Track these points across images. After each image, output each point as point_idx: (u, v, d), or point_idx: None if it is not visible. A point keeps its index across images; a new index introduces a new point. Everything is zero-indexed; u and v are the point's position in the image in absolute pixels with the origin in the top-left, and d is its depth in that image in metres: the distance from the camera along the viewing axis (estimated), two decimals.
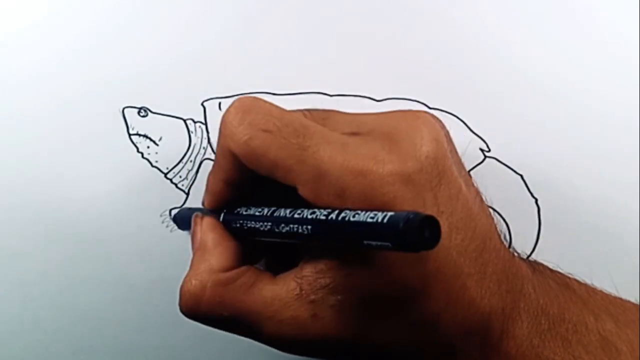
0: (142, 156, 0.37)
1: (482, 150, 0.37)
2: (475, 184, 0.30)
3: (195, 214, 0.32)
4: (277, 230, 0.27)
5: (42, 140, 0.37)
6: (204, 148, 0.38)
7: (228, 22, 0.37)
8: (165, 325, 0.38)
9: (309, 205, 0.26)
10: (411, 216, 0.22)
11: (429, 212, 0.26)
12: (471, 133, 0.37)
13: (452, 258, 0.26)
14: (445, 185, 0.27)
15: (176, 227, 0.37)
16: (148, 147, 0.37)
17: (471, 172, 0.37)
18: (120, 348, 0.38)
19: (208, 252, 0.30)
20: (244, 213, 0.30)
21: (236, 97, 0.29)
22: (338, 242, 0.26)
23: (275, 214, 0.28)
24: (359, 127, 0.29)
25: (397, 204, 0.25)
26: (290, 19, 0.37)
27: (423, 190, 0.26)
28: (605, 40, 0.37)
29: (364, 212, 0.24)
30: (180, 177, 0.37)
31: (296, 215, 0.26)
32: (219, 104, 0.37)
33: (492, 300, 0.27)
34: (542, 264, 0.31)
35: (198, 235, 0.31)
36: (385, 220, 0.23)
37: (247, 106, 0.28)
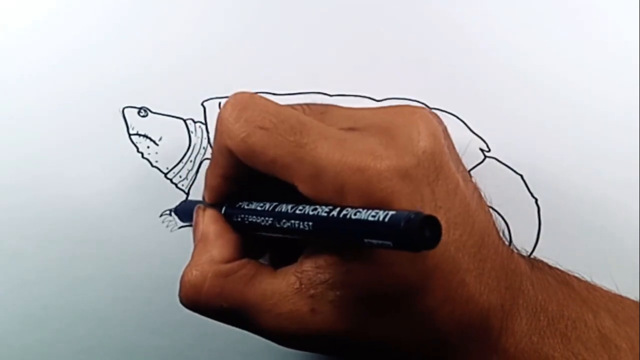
0: (142, 156, 0.37)
1: (482, 150, 0.37)
2: (473, 180, 0.30)
3: (197, 205, 0.32)
4: (278, 225, 0.27)
5: (42, 140, 0.37)
6: (204, 148, 0.38)
7: (228, 22, 0.37)
8: (165, 325, 0.38)
9: (309, 200, 0.26)
10: (412, 216, 0.22)
11: (426, 207, 0.26)
12: (471, 133, 0.37)
13: (450, 254, 0.26)
14: (442, 180, 0.27)
15: (176, 227, 0.37)
16: (148, 147, 0.37)
17: (471, 172, 0.37)
18: (120, 348, 0.38)
19: (210, 243, 0.30)
20: (246, 207, 0.30)
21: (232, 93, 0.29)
22: (339, 240, 0.26)
23: (276, 209, 0.28)
24: (356, 122, 0.29)
25: (395, 199, 0.25)
26: (290, 19, 0.37)
27: (421, 185, 0.26)
28: (605, 40, 0.37)
29: (365, 210, 0.24)
30: (180, 177, 0.37)
31: (297, 211, 0.26)
32: (219, 104, 0.37)
33: (490, 297, 0.27)
34: (541, 261, 0.31)
35: (200, 227, 0.31)
36: (386, 219, 0.23)
37: (244, 103, 0.28)
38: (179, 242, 0.37)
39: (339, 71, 0.37)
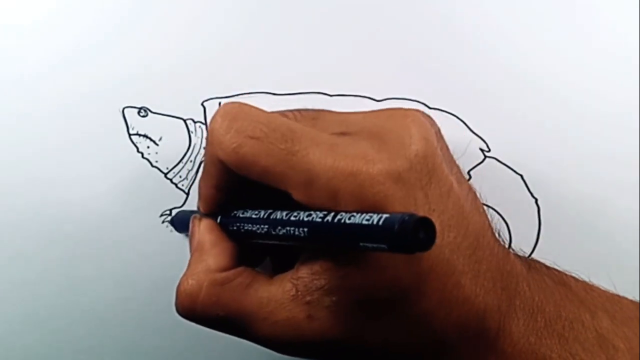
0: (142, 156, 0.37)
1: (482, 150, 0.37)
2: (468, 182, 0.30)
3: (193, 215, 0.32)
4: (273, 232, 0.27)
5: (42, 140, 0.37)
6: (204, 148, 0.38)
7: (228, 22, 0.37)
8: (165, 325, 0.38)
9: (303, 206, 0.26)
10: (406, 218, 0.22)
11: (420, 210, 0.26)
12: (471, 133, 0.37)
13: (445, 256, 0.26)
14: (435, 183, 0.27)
15: None
16: (148, 147, 0.37)
17: (471, 172, 0.37)
18: (121, 348, 0.38)
19: (205, 252, 0.30)
20: (241, 216, 0.30)
21: (225, 101, 0.29)
22: (334, 244, 0.26)
23: (271, 217, 0.28)
24: (348, 127, 0.29)
25: (389, 203, 0.25)
26: (291, 19, 0.37)
27: (414, 189, 0.26)
28: (605, 40, 0.37)
29: (359, 214, 0.24)
30: (180, 177, 0.37)
31: (292, 218, 0.26)
32: (219, 104, 0.37)
33: (487, 298, 0.27)
34: (538, 262, 0.31)
35: (196, 237, 0.31)
36: (380, 223, 0.23)
37: (234, 113, 0.28)
38: (179, 242, 0.37)
39: (339, 71, 0.37)
